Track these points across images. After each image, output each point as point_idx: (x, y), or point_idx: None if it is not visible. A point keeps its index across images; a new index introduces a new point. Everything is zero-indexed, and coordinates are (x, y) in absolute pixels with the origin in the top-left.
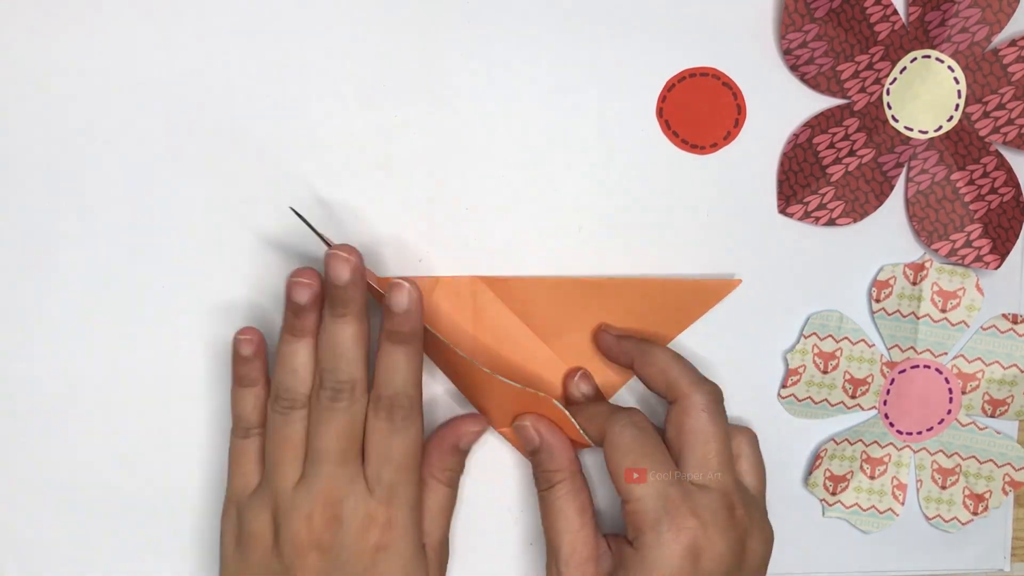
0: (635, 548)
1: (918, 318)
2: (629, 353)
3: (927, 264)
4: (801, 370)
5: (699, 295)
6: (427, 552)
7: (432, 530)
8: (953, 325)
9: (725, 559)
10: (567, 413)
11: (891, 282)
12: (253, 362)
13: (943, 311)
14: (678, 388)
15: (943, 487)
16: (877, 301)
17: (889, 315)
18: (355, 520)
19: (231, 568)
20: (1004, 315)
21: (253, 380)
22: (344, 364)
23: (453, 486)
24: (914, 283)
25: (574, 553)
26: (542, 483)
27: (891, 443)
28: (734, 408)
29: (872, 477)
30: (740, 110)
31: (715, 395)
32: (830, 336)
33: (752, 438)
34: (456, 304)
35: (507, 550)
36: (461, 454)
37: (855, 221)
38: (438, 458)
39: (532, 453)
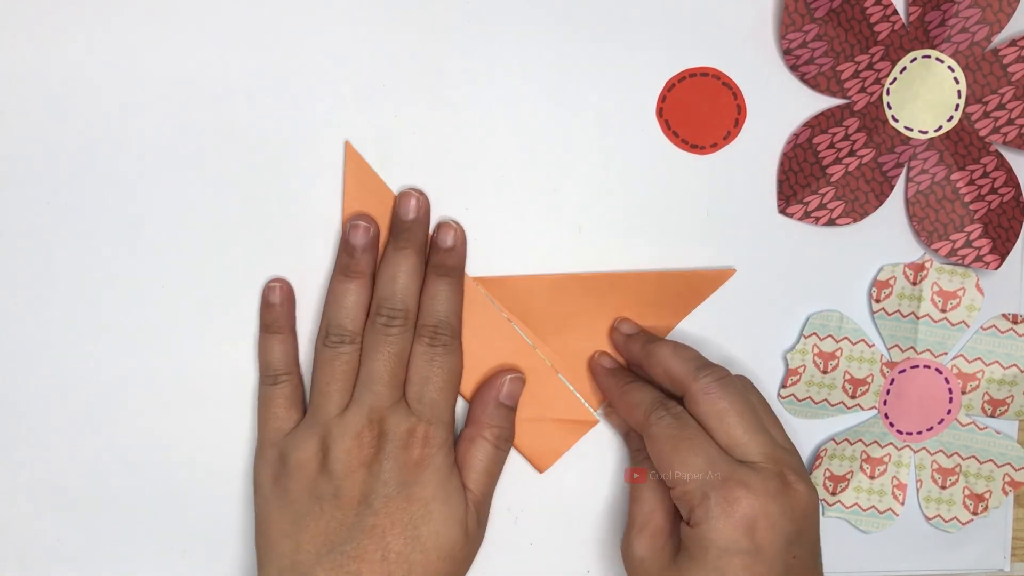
0: (691, 526)
1: (918, 318)
2: (636, 354)
3: (927, 264)
4: (801, 370)
5: (694, 285)
6: (468, 503)
7: (474, 487)
8: (953, 325)
9: (780, 526)
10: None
11: (891, 282)
12: (281, 309)
13: (943, 311)
14: (682, 383)
15: (943, 487)
16: (877, 301)
17: (889, 315)
18: (398, 435)
19: (271, 504)
20: (1004, 315)
21: (280, 327)
22: (400, 293)
23: (501, 446)
24: (914, 283)
25: (649, 522)
26: (633, 460)
27: (891, 443)
28: None
29: (872, 477)
30: (740, 110)
31: (716, 374)
32: (830, 336)
33: (754, 388)
34: None
35: (507, 550)
36: (505, 409)
37: (855, 221)
38: (481, 412)
39: (625, 435)
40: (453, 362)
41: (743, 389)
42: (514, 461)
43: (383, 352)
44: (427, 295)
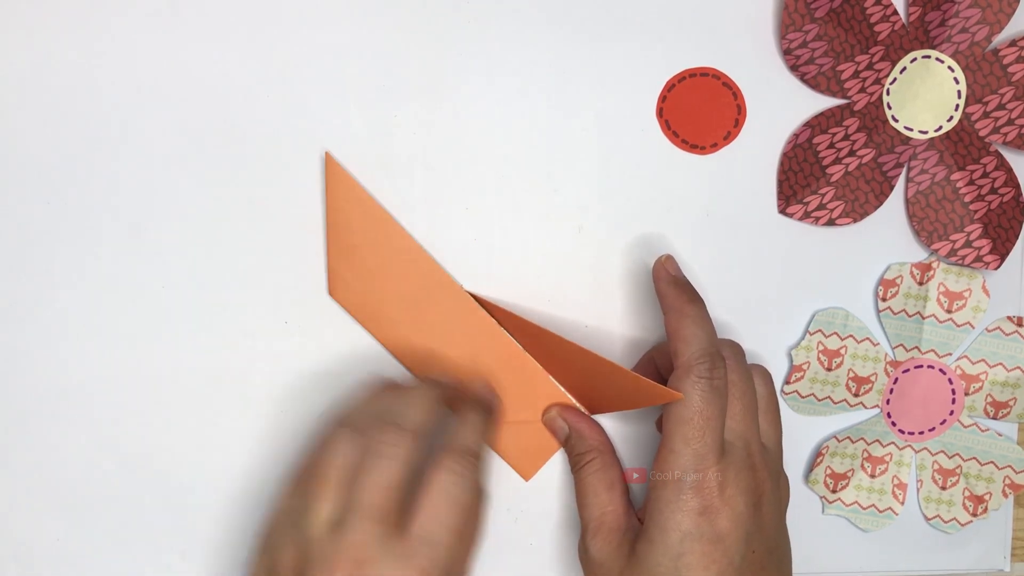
0: (649, 513)
1: (923, 318)
2: (666, 305)
3: (934, 264)
4: (805, 367)
5: (638, 393)
6: None
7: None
8: (958, 326)
9: (743, 518)
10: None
11: (898, 281)
12: None
13: (948, 311)
14: (677, 358)
15: (943, 487)
16: (883, 300)
17: (895, 314)
18: None
19: None
20: (1009, 317)
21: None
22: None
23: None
24: (920, 283)
25: (602, 525)
26: (574, 464)
27: (892, 442)
28: None
29: (873, 476)
30: (740, 110)
31: (709, 363)
32: (835, 333)
33: (765, 379)
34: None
35: (507, 550)
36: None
37: (855, 221)
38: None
39: (564, 441)
40: (476, 489)
41: (719, 390)
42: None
43: (371, 480)
44: (460, 419)
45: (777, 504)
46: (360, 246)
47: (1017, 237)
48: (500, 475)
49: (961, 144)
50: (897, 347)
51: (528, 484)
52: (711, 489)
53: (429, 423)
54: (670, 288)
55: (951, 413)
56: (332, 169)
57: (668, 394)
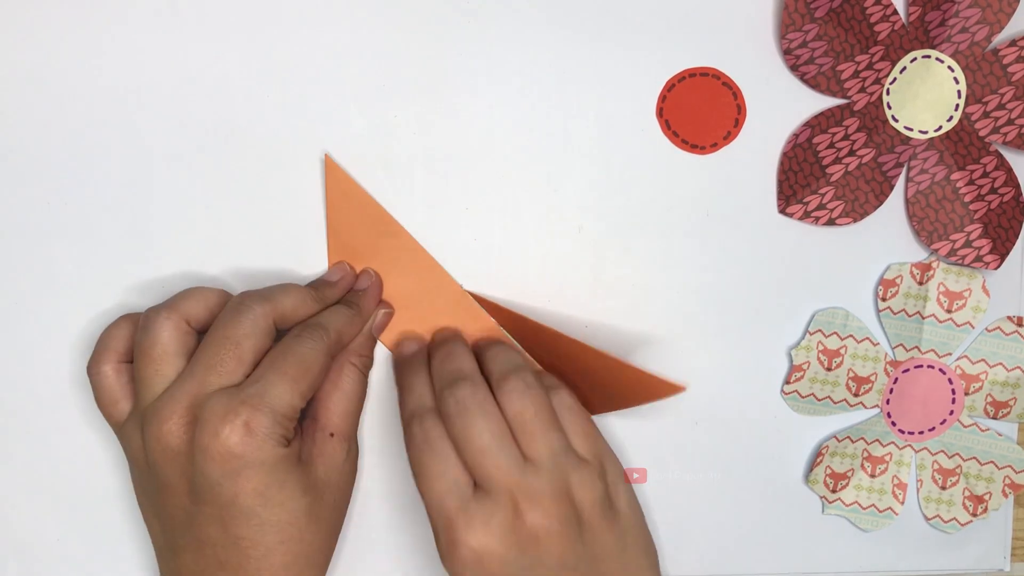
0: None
1: (923, 318)
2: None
3: (934, 264)
4: (805, 366)
5: (640, 387)
6: (329, 442)
7: (340, 420)
8: (958, 326)
9: (511, 560)
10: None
11: (898, 281)
12: None
13: (948, 311)
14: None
15: (943, 487)
16: (883, 300)
17: (895, 314)
18: (211, 420)
19: (135, 489)
20: (1009, 317)
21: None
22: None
23: (365, 375)
24: (921, 283)
25: None
26: None
27: (892, 442)
28: (736, 404)
29: (873, 475)
30: (740, 110)
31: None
32: (835, 333)
33: (569, 399)
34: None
35: None
36: (373, 341)
37: (855, 221)
38: (356, 342)
39: None
40: (314, 358)
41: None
42: None
43: (220, 333)
44: (330, 308)
45: (542, 528)
46: (360, 247)
47: (1017, 237)
48: None
49: (961, 144)
50: (897, 347)
51: None
52: (463, 544)
53: (292, 304)
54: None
55: (951, 413)
56: (332, 171)
57: (671, 387)
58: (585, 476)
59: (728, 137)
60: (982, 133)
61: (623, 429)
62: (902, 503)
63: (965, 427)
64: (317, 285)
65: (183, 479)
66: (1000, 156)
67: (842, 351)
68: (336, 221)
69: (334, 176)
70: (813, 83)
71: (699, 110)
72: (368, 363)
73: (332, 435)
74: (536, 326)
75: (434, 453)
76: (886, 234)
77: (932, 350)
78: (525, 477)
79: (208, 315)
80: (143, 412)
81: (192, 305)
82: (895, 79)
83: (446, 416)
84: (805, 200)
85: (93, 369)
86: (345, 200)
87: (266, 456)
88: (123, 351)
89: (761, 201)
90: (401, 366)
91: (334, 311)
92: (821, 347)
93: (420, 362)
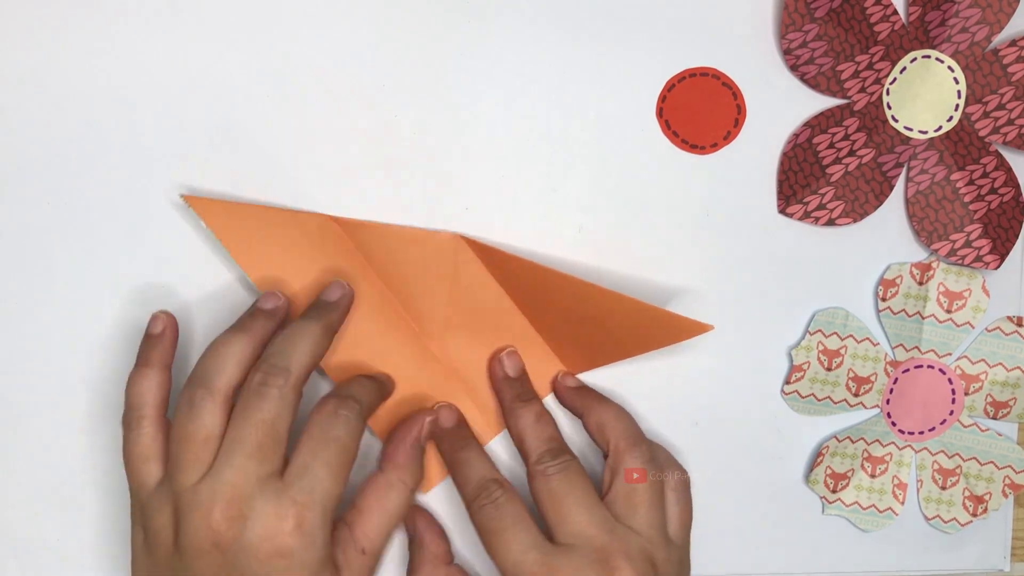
0: None
1: (923, 318)
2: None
3: (934, 264)
4: (805, 367)
5: (669, 327)
6: (358, 558)
7: (375, 535)
8: (958, 326)
9: None
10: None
11: (898, 281)
12: (160, 344)
13: (948, 311)
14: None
15: (943, 487)
16: (883, 300)
17: (895, 314)
18: (261, 519)
19: (140, 566)
20: (1009, 317)
21: (152, 362)
22: (292, 350)
23: (414, 491)
24: (920, 283)
25: None
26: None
27: (892, 442)
28: (736, 404)
29: (873, 476)
30: (740, 110)
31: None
32: (835, 334)
33: (681, 484)
34: (436, 259)
35: None
36: (421, 453)
37: (855, 221)
38: (402, 452)
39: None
40: (351, 438)
41: (657, 474)
42: (514, 460)
43: (252, 417)
44: (354, 378)
45: None
46: (278, 256)
47: (1017, 237)
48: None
49: (961, 144)
50: (897, 347)
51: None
52: (619, 570)
53: (311, 359)
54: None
55: (951, 413)
56: (197, 205)
57: (698, 326)
58: (673, 556)
59: (728, 137)
60: (982, 133)
61: None
62: (902, 503)
63: (965, 427)
64: (319, 316)
65: (214, 571)
66: (1000, 156)
67: (842, 351)
68: (241, 250)
69: (203, 208)
70: (813, 83)
71: (699, 110)
72: (418, 479)
73: (364, 552)
74: (539, 269)
75: (506, 518)
76: (886, 234)
77: (932, 350)
78: (620, 536)
79: (241, 378)
80: (181, 495)
81: (227, 378)
82: (895, 79)
83: (544, 476)
84: (805, 200)
85: (134, 424)
86: (232, 222)
87: (313, 556)
88: (161, 404)
89: (761, 201)
90: (450, 441)
91: (361, 383)
92: (821, 347)
93: (469, 435)
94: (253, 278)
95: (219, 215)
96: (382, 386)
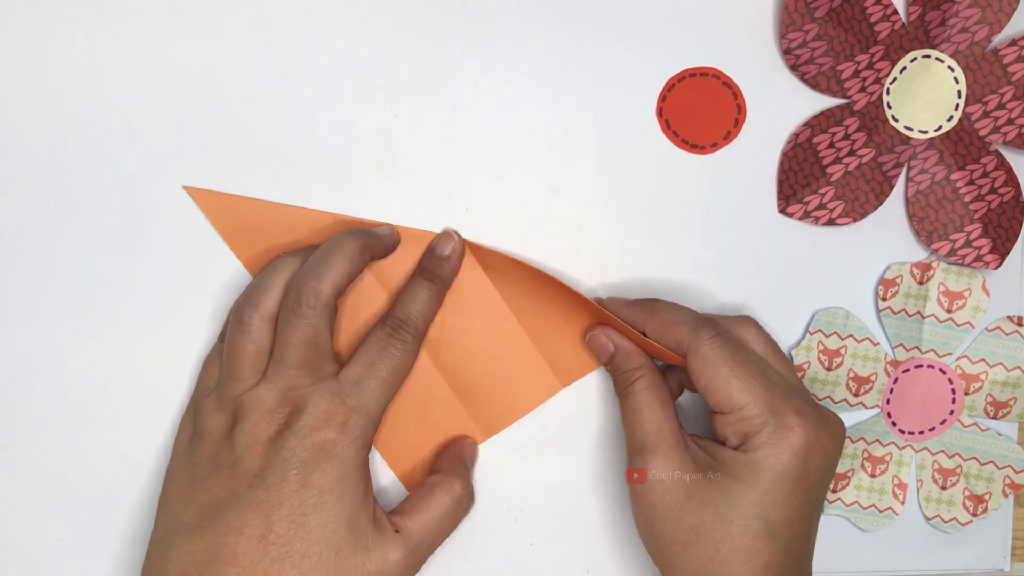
0: (742, 451)
1: (923, 318)
2: (638, 316)
3: (934, 264)
4: (805, 366)
5: (651, 351)
6: (399, 538)
7: (422, 530)
8: (958, 326)
9: (830, 453)
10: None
11: (898, 281)
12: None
13: (948, 311)
14: (685, 338)
15: (943, 487)
16: (883, 300)
17: (895, 314)
18: (313, 414)
19: (178, 463)
20: (1009, 317)
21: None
22: (325, 268)
23: (468, 506)
24: (921, 283)
25: (662, 440)
26: (621, 384)
27: (892, 442)
28: None
29: (873, 476)
30: (740, 110)
31: (717, 328)
32: (835, 333)
33: (761, 335)
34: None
35: (507, 550)
36: (467, 468)
37: (855, 221)
38: (457, 465)
39: (609, 360)
40: (406, 361)
41: (736, 342)
42: (514, 461)
43: (293, 337)
44: (405, 292)
45: (841, 432)
46: (267, 247)
47: (1017, 237)
48: (501, 476)
49: (961, 144)
50: (897, 347)
51: (528, 484)
52: (805, 428)
53: (344, 278)
54: (627, 306)
55: (951, 413)
56: (199, 196)
57: (674, 358)
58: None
59: (728, 137)
60: (982, 133)
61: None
62: (902, 503)
63: (965, 427)
64: (355, 234)
65: (258, 461)
66: (1000, 156)
67: (842, 351)
68: (239, 242)
69: (203, 200)
70: (813, 83)
71: (699, 110)
72: (471, 492)
73: (398, 532)
74: (551, 281)
75: (744, 351)
76: (886, 234)
77: (932, 350)
78: (806, 391)
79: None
80: (240, 397)
81: (275, 296)
82: (895, 79)
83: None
84: (805, 200)
85: (248, 313)
86: (231, 215)
87: (351, 455)
88: (274, 309)
89: (761, 201)
90: (631, 305)
91: (418, 298)
92: (821, 347)
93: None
94: (251, 271)
95: (219, 207)
96: (440, 290)
